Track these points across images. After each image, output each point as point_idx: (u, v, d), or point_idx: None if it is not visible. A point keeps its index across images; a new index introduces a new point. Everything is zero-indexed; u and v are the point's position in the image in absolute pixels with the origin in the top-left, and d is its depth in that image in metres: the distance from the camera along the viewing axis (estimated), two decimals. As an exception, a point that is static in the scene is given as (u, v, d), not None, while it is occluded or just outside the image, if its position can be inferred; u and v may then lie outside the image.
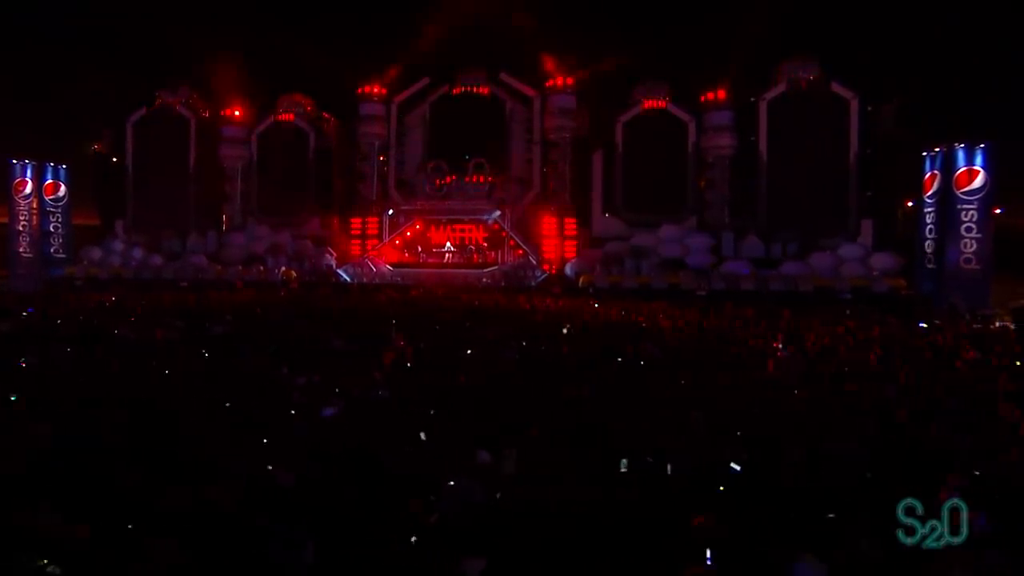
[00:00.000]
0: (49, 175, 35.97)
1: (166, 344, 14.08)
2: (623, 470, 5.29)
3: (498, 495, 4.89)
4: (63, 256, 36.46)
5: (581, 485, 5.20)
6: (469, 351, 12.73)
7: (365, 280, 31.90)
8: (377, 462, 5.40)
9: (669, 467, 5.43)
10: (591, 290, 28.24)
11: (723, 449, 5.71)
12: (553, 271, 32.14)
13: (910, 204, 33.63)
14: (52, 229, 36.19)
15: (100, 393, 8.21)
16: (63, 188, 36.53)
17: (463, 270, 32.94)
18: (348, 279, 32.71)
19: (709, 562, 3.85)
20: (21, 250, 35.44)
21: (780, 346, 11.65)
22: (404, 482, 5.23)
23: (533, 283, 30.83)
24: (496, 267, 33.12)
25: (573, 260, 32.46)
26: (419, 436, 6.20)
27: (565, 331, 15.94)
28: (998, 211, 27.43)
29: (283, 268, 33.24)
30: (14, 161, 35.14)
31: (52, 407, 7.31)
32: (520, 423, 6.90)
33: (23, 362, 9.87)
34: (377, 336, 14.25)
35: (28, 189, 35.38)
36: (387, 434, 6.23)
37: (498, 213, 33.78)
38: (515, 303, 22.94)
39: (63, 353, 11.27)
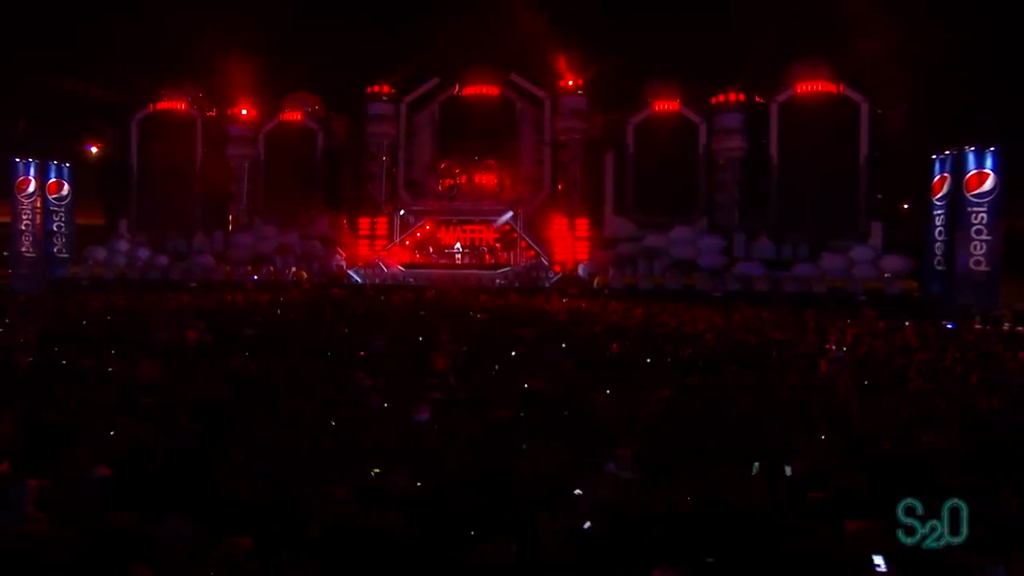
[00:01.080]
0: (52, 174, 35.41)
1: (200, 346, 13.90)
2: (754, 473, 5.25)
3: (636, 502, 4.83)
4: (66, 256, 35.91)
5: (706, 488, 5.16)
6: (514, 352, 12.67)
7: (377, 281, 31.72)
8: (499, 469, 5.32)
9: (788, 469, 5.41)
10: (606, 291, 28.28)
11: (838, 450, 5.71)
12: (567, 272, 32.16)
13: (906, 206, 33.96)
14: (55, 228, 35.63)
15: (166, 397, 8.05)
16: (66, 187, 35.99)
17: (476, 271, 32.86)
18: (359, 280, 32.50)
19: (881, 569, 3.81)
20: (24, 250, 34.84)
21: (833, 347, 11.70)
22: (527, 489, 5.16)
23: (547, 284, 30.83)
24: (509, 268, 33.08)
25: (586, 261, 32.51)
26: (524, 441, 6.14)
27: (599, 330, 15.92)
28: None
29: (294, 269, 32.97)
30: (17, 160, 34.55)
31: (130, 411, 7.16)
32: (616, 426, 6.87)
33: (84, 361, 9.66)
34: (417, 337, 14.15)
35: (31, 188, 34.80)
36: (490, 440, 6.15)
37: (510, 214, 33.76)
38: (536, 304, 22.92)
39: (109, 355, 11.06)
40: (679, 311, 20.00)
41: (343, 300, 23.03)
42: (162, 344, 13.90)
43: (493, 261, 34.16)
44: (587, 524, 4.41)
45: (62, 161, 35.86)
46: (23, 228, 34.88)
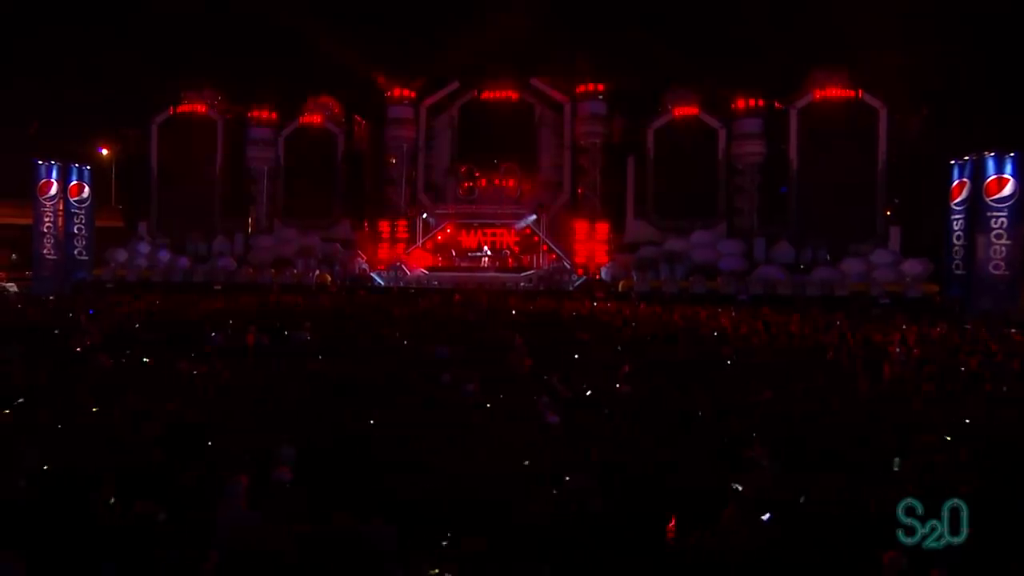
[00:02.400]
0: (74, 176, 35.45)
1: (259, 348, 14.06)
2: (896, 469, 5.51)
3: (794, 496, 5.07)
4: (85, 258, 35.94)
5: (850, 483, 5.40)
6: (576, 355, 12.91)
7: (402, 284, 31.90)
8: (648, 466, 5.55)
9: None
10: (633, 295, 28.54)
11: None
12: (591, 275, 32.45)
13: (895, 209, 33.89)
14: (76, 231, 35.64)
15: (275, 399, 8.22)
16: (87, 189, 36.02)
17: (500, 274, 33.11)
18: (382, 283, 32.68)
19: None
20: (45, 252, 34.85)
21: (897, 349, 11.99)
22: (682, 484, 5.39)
23: (570, 287, 31.10)
24: (533, 271, 33.35)
25: (608, 264, 32.82)
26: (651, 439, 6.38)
27: (651, 338, 16.17)
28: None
29: (317, 271, 33.09)
30: (39, 162, 34.57)
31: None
32: (723, 426, 7.11)
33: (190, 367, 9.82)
34: (475, 342, 14.34)
35: (53, 190, 34.80)
36: (625, 438, 6.39)
37: (533, 217, 34.04)
38: (567, 307, 23.14)
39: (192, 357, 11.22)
40: (716, 314, 20.28)
41: (379, 303, 23.19)
42: (222, 346, 14.08)
43: (516, 264, 34.41)
44: (766, 516, 4.66)
45: (82, 164, 35.92)
46: (44, 231, 34.89)
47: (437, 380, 9.24)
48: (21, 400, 7.76)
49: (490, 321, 17.38)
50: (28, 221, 36.75)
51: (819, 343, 14.55)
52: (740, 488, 5.27)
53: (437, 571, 3.90)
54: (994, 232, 28.38)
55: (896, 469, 5.53)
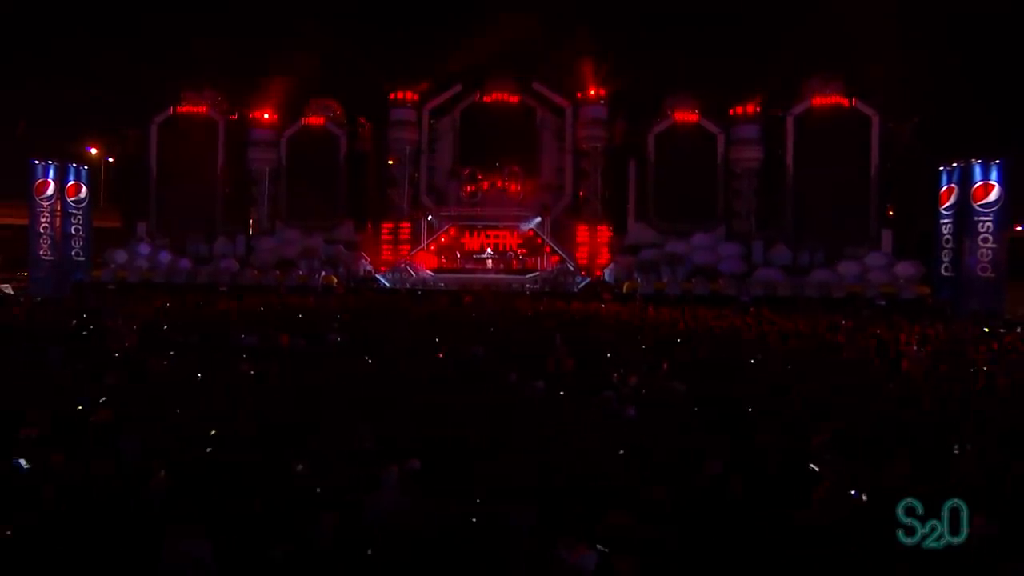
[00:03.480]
0: (71, 176, 35.04)
1: (294, 349, 14.31)
2: (956, 452, 6.06)
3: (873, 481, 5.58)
4: (82, 259, 35.54)
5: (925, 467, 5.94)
6: (609, 355, 13.39)
7: (408, 285, 32.13)
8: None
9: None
10: (638, 296, 29.15)
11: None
12: (594, 277, 33.02)
13: (891, 213, 35.36)
14: (73, 231, 35.22)
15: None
16: (84, 190, 35.63)
17: (505, 276, 33.52)
18: (388, 284, 32.87)
19: None
20: (42, 253, 34.40)
21: (916, 347, 12.67)
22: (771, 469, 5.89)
23: (575, 289, 31.62)
24: (538, 273, 33.83)
25: (611, 266, 33.44)
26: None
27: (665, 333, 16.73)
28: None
29: (323, 273, 33.13)
30: (36, 162, 34.11)
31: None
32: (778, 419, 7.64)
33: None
34: (509, 343, 14.73)
35: (50, 191, 34.37)
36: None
37: (538, 219, 34.51)
38: (576, 308, 23.65)
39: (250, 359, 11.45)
40: (724, 315, 20.94)
41: (394, 304, 23.45)
42: (254, 347, 14.28)
43: (521, 266, 34.86)
44: (853, 492, 5.19)
45: (79, 164, 35.52)
46: (41, 231, 34.45)
47: (505, 378, 9.59)
48: (104, 399, 7.98)
49: (502, 321, 17.77)
50: (20, 221, 36.29)
51: (833, 342, 15.23)
52: (817, 469, 5.80)
53: (599, 546, 4.19)
54: (981, 236, 29.60)
55: (956, 453, 6.09)
